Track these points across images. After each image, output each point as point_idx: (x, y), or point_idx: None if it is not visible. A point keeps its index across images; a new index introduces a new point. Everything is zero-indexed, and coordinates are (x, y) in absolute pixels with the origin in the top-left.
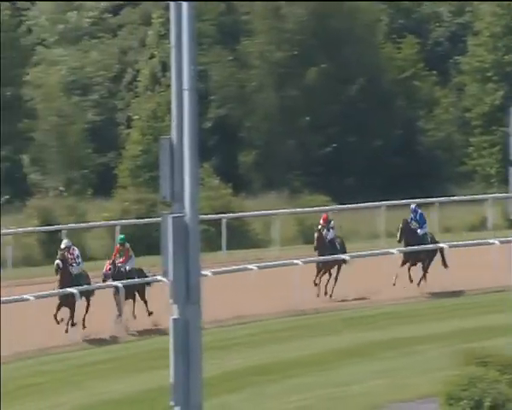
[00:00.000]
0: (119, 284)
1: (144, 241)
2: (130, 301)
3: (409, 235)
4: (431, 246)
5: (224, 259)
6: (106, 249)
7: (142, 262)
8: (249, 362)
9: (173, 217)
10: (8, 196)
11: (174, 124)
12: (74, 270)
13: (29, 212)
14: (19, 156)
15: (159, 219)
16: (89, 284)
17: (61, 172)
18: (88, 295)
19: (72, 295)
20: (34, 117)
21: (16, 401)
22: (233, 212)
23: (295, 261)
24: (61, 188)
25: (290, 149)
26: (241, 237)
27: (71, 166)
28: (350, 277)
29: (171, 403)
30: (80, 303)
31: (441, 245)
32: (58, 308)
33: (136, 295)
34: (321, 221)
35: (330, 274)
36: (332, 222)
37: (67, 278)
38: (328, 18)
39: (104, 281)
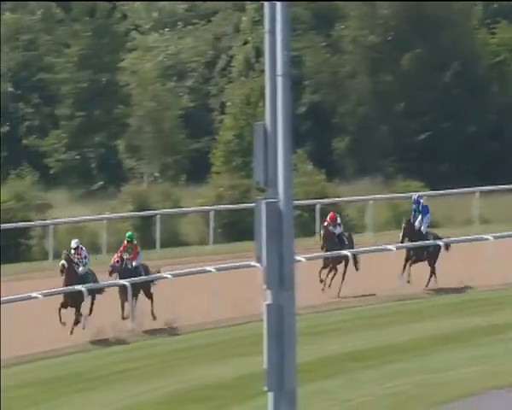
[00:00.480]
0: (126, 282)
1: (238, 226)
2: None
3: (412, 234)
4: (431, 242)
5: (318, 244)
6: (200, 235)
7: (235, 248)
8: (345, 348)
9: (267, 202)
10: (102, 182)
11: (268, 109)
12: (81, 270)
13: (124, 198)
14: (114, 142)
15: (252, 204)
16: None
17: (156, 158)
18: (94, 293)
19: (79, 293)
20: (129, 103)
21: (109, 386)
22: (327, 197)
23: (389, 247)
24: (156, 174)
25: (384, 134)
26: None
27: (165, 151)
28: (447, 263)
29: (265, 389)
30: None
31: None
32: (62, 307)
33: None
34: (328, 219)
35: (336, 270)
36: (338, 219)
37: (73, 278)
38: (423, 3)
39: (111, 273)
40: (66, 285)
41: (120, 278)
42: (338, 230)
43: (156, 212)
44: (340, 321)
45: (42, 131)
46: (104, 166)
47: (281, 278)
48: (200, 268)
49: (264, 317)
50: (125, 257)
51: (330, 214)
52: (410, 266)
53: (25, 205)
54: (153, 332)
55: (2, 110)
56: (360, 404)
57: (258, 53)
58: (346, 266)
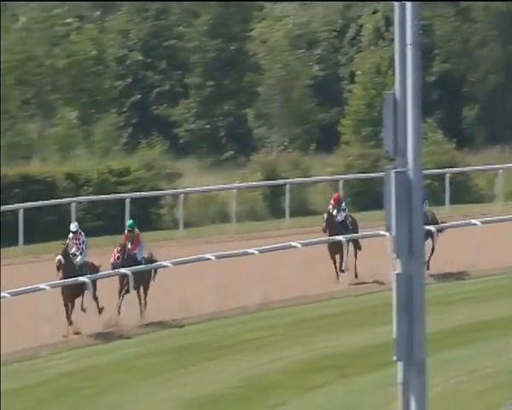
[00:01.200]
0: (127, 271)
1: (368, 196)
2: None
3: None
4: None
5: (448, 213)
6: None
7: (364, 218)
8: (475, 317)
9: (396, 172)
10: (232, 152)
11: (397, 78)
12: (78, 260)
13: (253, 167)
14: (243, 111)
15: (382, 174)
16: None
17: (285, 127)
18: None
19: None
20: (259, 72)
21: (236, 355)
22: (456, 167)
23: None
24: (285, 143)
25: None
26: (465, 192)
27: (295, 121)
28: None
29: (394, 358)
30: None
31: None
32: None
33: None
34: (331, 201)
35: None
36: (343, 203)
37: (71, 272)
38: None
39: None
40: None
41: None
42: (341, 215)
43: (285, 181)
44: (471, 290)
45: (172, 99)
46: (233, 135)
47: (410, 247)
48: (322, 238)
49: (394, 286)
50: (126, 248)
51: (334, 196)
52: None
53: (155, 174)
54: (280, 302)
55: (134, 78)
56: (488, 374)
57: (388, 22)
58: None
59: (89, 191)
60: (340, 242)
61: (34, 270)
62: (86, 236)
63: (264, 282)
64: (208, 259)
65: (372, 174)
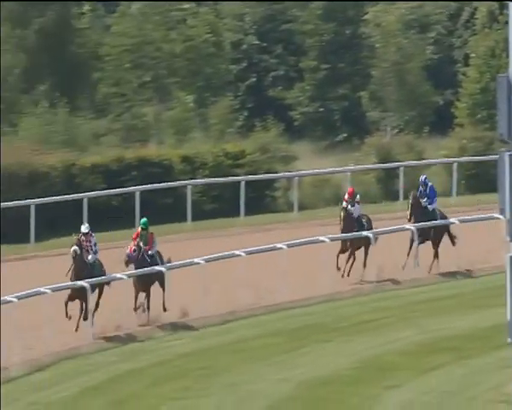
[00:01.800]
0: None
1: (481, 179)
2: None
3: (418, 212)
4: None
5: None
6: (443, 186)
7: (480, 200)
8: None
9: (510, 155)
10: (346, 134)
11: (511, 62)
12: (90, 258)
13: (367, 150)
14: (357, 94)
15: (496, 156)
16: (103, 274)
17: (399, 110)
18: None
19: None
20: (373, 55)
21: (351, 337)
22: None
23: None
24: (400, 126)
25: None
26: None
27: (409, 104)
28: None
29: (508, 341)
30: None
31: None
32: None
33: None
34: (345, 196)
35: (354, 257)
36: (358, 196)
37: (83, 267)
38: None
39: (127, 263)
40: (76, 273)
41: (136, 269)
42: (357, 210)
43: (399, 164)
44: None
45: (287, 83)
46: (348, 118)
47: None
48: (435, 222)
49: (507, 269)
50: (141, 245)
51: (349, 190)
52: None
53: (270, 157)
54: (394, 284)
55: (249, 62)
56: None
57: (502, 5)
58: (366, 250)
59: (204, 174)
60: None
61: None
62: (202, 218)
63: (378, 263)
64: (322, 241)
65: (486, 157)
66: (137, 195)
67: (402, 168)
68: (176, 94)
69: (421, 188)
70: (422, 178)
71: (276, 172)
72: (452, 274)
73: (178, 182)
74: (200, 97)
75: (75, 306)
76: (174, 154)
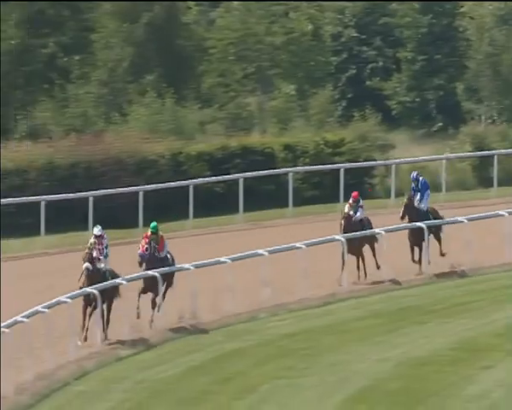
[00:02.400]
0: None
1: None
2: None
3: (412, 212)
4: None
5: None
6: None
7: None
8: None
9: None
10: (441, 124)
11: None
12: (102, 267)
13: (462, 138)
14: (453, 85)
15: None
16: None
17: (494, 100)
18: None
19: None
20: (468, 47)
21: (449, 318)
22: None
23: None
24: (494, 115)
25: None
26: None
27: (503, 94)
28: None
29: None
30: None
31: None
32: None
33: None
34: (350, 200)
35: (361, 256)
36: (361, 201)
37: (95, 276)
38: None
39: (141, 263)
40: (90, 284)
41: (147, 269)
42: (360, 213)
43: (494, 152)
44: None
45: (384, 74)
46: (443, 107)
47: None
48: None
49: None
50: (153, 246)
51: (353, 194)
52: (412, 249)
53: (368, 145)
54: (488, 268)
55: (348, 54)
56: None
57: None
58: (373, 250)
59: (305, 162)
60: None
61: (254, 236)
62: (303, 204)
63: (473, 248)
64: (420, 227)
65: None
66: (241, 181)
67: (496, 156)
68: (278, 85)
69: (413, 184)
70: (414, 174)
71: (375, 160)
72: None
73: (280, 169)
74: (302, 88)
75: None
76: (276, 142)
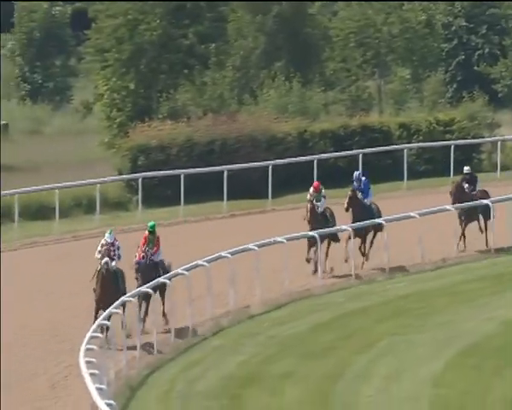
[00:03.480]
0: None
1: None
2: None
3: (357, 207)
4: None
5: None
6: None
7: None
8: None
9: None
10: None
11: None
12: (113, 265)
13: None
14: None
15: None
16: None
17: None
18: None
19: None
20: None
21: None
22: None
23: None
24: None
25: None
26: None
27: None
28: None
29: None
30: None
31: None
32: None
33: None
34: (311, 190)
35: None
36: (323, 191)
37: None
38: None
39: (137, 270)
40: (104, 292)
41: (142, 276)
42: (322, 204)
43: None
44: None
45: (491, 59)
46: None
47: None
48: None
49: None
50: (148, 251)
51: (314, 184)
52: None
53: (476, 124)
54: None
55: (458, 41)
56: None
57: None
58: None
59: (419, 139)
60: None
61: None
62: (416, 178)
63: None
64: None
65: None
66: (360, 157)
67: None
68: (394, 69)
69: (355, 183)
70: (356, 174)
71: (482, 137)
72: None
73: (396, 146)
74: (416, 72)
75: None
76: (393, 121)
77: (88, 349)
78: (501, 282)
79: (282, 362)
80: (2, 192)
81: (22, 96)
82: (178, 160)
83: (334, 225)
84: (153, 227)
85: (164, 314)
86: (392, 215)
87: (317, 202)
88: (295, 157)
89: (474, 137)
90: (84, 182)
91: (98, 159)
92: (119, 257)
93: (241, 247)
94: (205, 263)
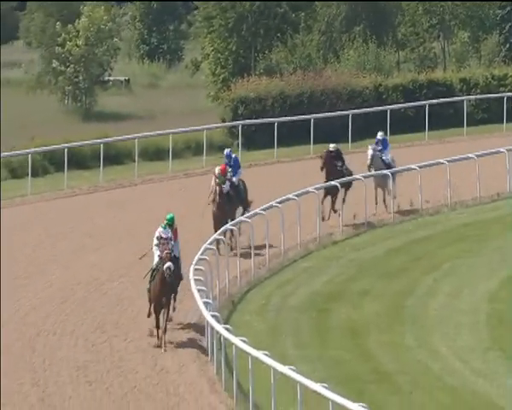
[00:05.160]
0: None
1: None
2: None
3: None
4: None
5: None
6: None
7: None
8: None
9: None
10: None
11: None
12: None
13: None
14: None
15: None
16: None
17: None
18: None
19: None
20: None
21: None
22: None
23: None
24: None
25: None
26: None
27: None
28: None
29: None
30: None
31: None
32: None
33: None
34: (216, 171)
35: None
36: (229, 173)
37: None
38: None
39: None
40: (164, 293)
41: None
42: (227, 186)
43: None
44: None
45: None
46: None
47: None
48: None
49: None
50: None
51: (221, 166)
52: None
53: None
54: None
55: (511, 8)
56: None
57: None
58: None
59: (477, 91)
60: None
61: (436, 149)
62: (473, 125)
63: None
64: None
65: None
66: (427, 107)
67: None
68: (456, 32)
69: (226, 160)
70: (227, 151)
71: None
72: None
73: (457, 98)
74: (475, 35)
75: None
76: (454, 77)
77: (196, 269)
78: None
79: (361, 281)
80: (125, 137)
81: (141, 56)
82: (273, 110)
83: (242, 198)
84: (171, 219)
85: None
86: (453, 156)
87: (222, 184)
88: (371, 108)
89: None
90: (193, 128)
91: (205, 109)
92: (178, 249)
93: (322, 184)
94: (295, 197)
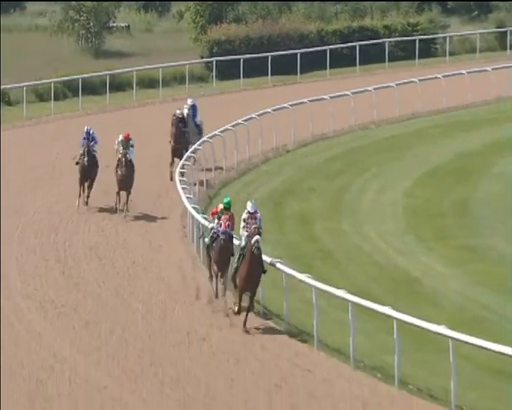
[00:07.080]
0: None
1: None
2: None
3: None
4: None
5: None
6: None
7: None
8: None
9: None
10: None
11: None
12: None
13: None
14: None
15: None
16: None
17: None
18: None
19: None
20: None
21: None
22: None
23: None
24: None
25: None
26: None
27: None
28: None
29: None
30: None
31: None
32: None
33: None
34: (120, 138)
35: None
36: (131, 141)
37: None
38: None
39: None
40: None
41: (222, 245)
42: (130, 153)
43: None
44: None
45: None
46: None
47: None
48: None
49: None
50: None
51: (125, 134)
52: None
53: (433, 25)
54: None
55: None
56: None
57: None
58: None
59: (396, 35)
60: None
61: None
62: (397, 60)
63: None
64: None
65: None
66: (358, 47)
67: None
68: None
69: (84, 135)
70: (87, 127)
71: (437, 34)
72: None
73: (381, 40)
74: None
75: None
76: (379, 24)
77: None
78: (452, 128)
79: (308, 181)
80: (126, 70)
81: (138, 7)
82: (240, 49)
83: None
84: (228, 204)
85: None
86: (377, 85)
87: (124, 149)
88: (315, 47)
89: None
90: (179, 63)
91: (188, 48)
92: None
93: (278, 106)
94: (256, 116)
